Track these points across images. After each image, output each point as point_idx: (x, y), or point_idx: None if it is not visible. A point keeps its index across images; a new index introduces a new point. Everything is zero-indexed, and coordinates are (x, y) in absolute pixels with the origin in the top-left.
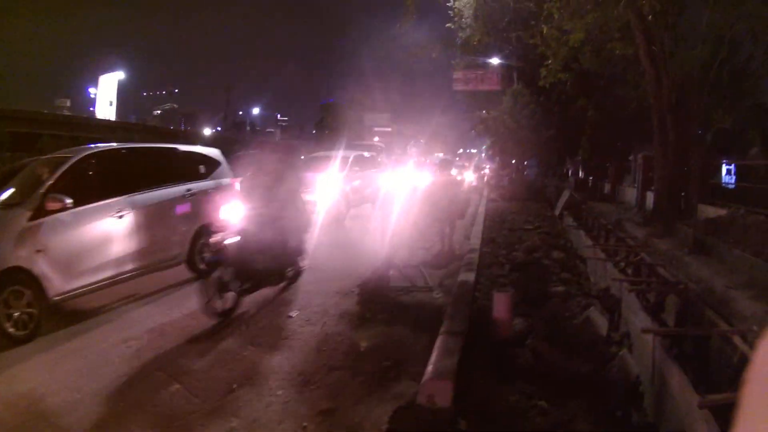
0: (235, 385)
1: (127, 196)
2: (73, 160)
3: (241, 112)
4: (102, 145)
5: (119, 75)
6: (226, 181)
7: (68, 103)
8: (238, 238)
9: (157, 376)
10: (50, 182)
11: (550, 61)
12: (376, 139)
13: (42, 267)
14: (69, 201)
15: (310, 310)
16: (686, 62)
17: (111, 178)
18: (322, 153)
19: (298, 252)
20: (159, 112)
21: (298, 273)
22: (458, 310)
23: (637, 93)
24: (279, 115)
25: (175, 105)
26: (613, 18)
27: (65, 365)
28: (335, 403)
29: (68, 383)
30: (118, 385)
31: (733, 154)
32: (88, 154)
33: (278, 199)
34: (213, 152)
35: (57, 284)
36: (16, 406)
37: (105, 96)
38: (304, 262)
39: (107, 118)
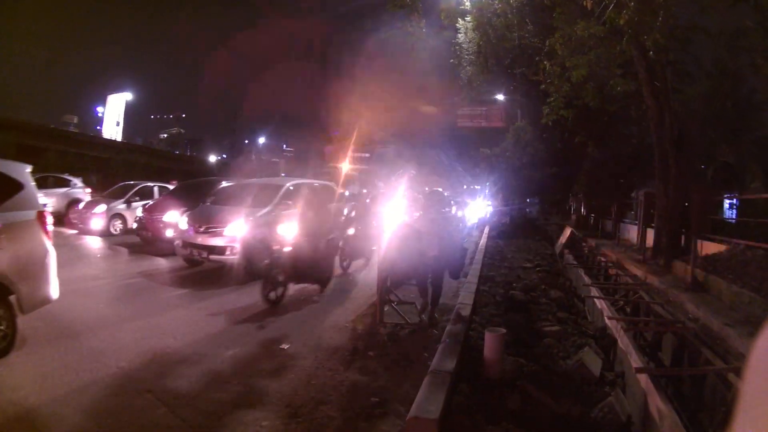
0: (221, 413)
1: None
2: None
3: (247, 141)
4: None
5: (127, 96)
6: (26, 214)
7: (75, 120)
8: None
9: (146, 398)
10: None
11: (552, 99)
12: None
13: None
14: None
15: (303, 344)
16: (689, 97)
17: None
18: (245, 181)
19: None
20: (165, 135)
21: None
22: (449, 349)
23: (639, 129)
24: (285, 146)
25: (181, 130)
26: (616, 54)
27: (56, 379)
28: None
29: (58, 397)
30: (107, 403)
31: (735, 188)
32: None
33: None
34: (13, 168)
35: None
36: (4, 413)
37: (112, 116)
38: None
39: (113, 138)
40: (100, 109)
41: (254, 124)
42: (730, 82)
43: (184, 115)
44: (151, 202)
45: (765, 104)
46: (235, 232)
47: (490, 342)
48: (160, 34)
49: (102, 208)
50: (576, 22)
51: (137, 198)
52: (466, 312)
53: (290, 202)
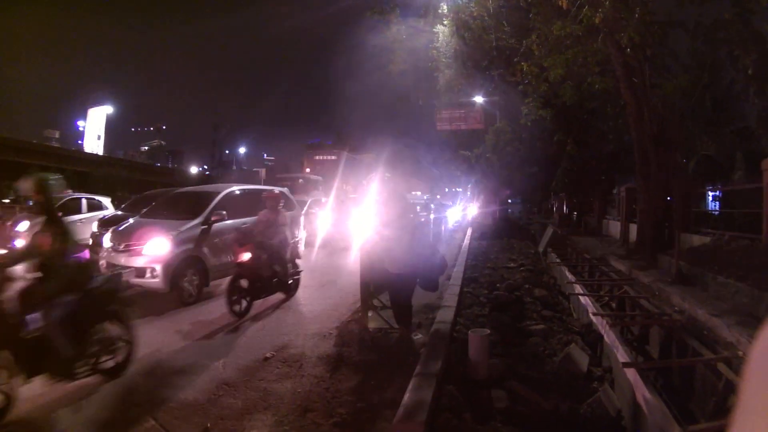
0: (209, 424)
1: None
2: None
3: (228, 151)
4: None
5: (108, 109)
6: None
7: (57, 135)
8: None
9: (134, 411)
10: None
11: (530, 99)
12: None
13: None
14: None
15: (288, 352)
16: (668, 92)
17: None
18: (181, 190)
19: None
20: (146, 148)
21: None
22: (434, 352)
23: (616, 125)
24: (265, 155)
25: (162, 142)
26: (593, 52)
27: (49, 395)
28: None
29: (51, 412)
30: (98, 415)
31: (717, 179)
32: None
33: None
34: None
35: None
36: None
37: (93, 129)
38: None
39: (95, 152)
40: (81, 123)
41: (235, 134)
42: (708, 74)
43: (164, 127)
44: (103, 214)
45: (744, 95)
46: (154, 251)
47: (475, 343)
48: (140, 47)
49: (25, 225)
50: (552, 22)
51: (60, 213)
52: (450, 314)
53: (224, 212)
